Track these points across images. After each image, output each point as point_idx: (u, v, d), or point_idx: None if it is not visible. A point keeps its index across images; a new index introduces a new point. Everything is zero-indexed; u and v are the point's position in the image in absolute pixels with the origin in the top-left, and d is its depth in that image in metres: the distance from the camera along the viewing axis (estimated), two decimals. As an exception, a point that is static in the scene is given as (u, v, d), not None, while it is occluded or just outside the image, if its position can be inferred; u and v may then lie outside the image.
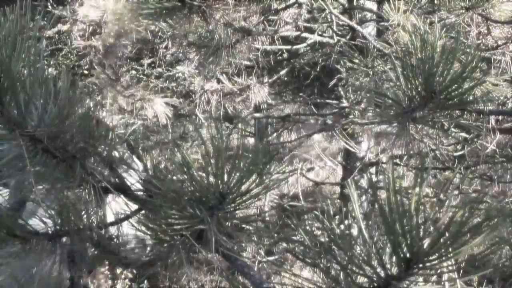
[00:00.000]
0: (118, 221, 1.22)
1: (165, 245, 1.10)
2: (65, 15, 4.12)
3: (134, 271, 4.58)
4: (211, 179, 1.03)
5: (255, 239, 1.17)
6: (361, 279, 0.94)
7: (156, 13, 2.51)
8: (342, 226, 0.98)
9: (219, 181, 1.02)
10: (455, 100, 1.44)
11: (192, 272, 4.67)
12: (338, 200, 4.00)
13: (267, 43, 3.19)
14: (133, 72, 4.83)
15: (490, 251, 0.82)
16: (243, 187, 1.04)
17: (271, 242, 1.25)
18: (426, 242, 0.82)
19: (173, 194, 1.08)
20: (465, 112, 1.69)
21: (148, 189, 1.13)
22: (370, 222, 0.91)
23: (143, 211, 1.18)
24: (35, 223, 1.16)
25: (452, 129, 2.75)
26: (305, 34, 3.34)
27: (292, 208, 3.86)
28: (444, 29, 2.16)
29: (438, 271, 0.87)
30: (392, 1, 2.54)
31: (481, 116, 1.82)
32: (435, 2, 2.86)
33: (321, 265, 0.97)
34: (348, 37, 3.27)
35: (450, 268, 0.85)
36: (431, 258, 0.83)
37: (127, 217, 1.20)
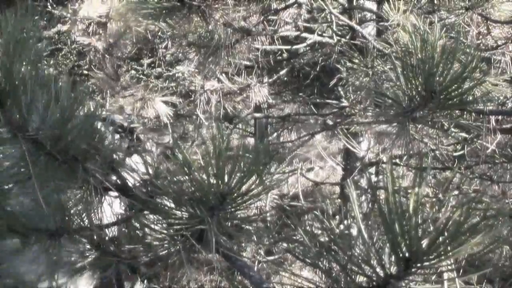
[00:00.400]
0: (119, 222, 1.23)
1: (166, 245, 1.10)
2: (64, 15, 4.12)
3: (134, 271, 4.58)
4: (212, 179, 1.04)
5: (255, 239, 1.18)
6: (360, 279, 0.94)
7: (155, 13, 2.51)
8: (341, 226, 0.99)
9: (220, 182, 1.02)
10: (455, 100, 1.44)
11: (193, 272, 4.67)
12: (338, 200, 4.00)
13: (267, 43, 3.19)
14: (133, 72, 4.84)
15: (488, 251, 0.82)
16: (244, 187, 1.04)
17: (271, 242, 1.26)
18: (425, 242, 0.82)
19: (174, 195, 1.08)
20: (465, 112, 1.70)
21: (149, 190, 1.13)
22: (369, 222, 0.92)
23: (144, 212, 1.19)
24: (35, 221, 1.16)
25: (452, 129, 2.75)
26: (305, 34, 3.34)
27: (292, 208, 3.86)
28: (444, 29, 2.15)
29: (437, 271, 0.87)
30: (392, 1, 2.54)
31: (481, 116, 1.83)
32: (435, 2, 2.86)
33: (321, 265, 0.97)
34: (348, 37, 3.27)
35: (449, 267, 0.86)
36: (430, 257, 0.83)
37: (128, 218, 1.21)
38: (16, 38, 0.94)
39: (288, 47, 3.74)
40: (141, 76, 4.82)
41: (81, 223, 1.16)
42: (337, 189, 4.45)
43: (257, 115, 4.54)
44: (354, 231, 0.96)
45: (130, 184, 1.19)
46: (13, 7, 0.98)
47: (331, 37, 3.34)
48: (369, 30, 3.46)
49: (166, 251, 1.09)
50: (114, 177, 1.18)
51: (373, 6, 3.48)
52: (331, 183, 4.70)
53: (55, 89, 1.03)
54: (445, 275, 0.91)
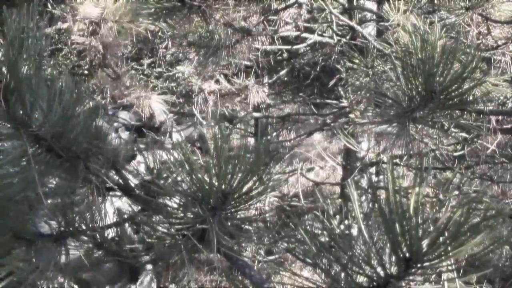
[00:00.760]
0: (121, 222, 1.23)
1: (167, 245, 1.11)
2: (64, 15, 4.12)
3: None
4: (213, 179, 1.04)
5: (255, 239, 1.18)
6: (361, 279, 0.95)
7: (156, 13, 2.52)
8: (342, 226, 0.99)
9: (222, 181, 1.03)
10: (455, 100, 1.44)
11: (193, 272, 4.67)
12: (339, 200, 4.00)
13: (267, 43, 3.19)
14: (133, 72, 4.84)
15: (489, 251, 0.82)
16: (245, 187, 1.04)
17: (271, 242, 1.26)
18: (425, 242, 0.83)
19: (175, 194, 1.08)
20: (465, 112, 1.70)
21: (151, 189, 1.14)
22: (370, 222, 0.92)
23: (145, 212, 1.19)
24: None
25: (452, 129, 2.75)
26: (305, 34, 3.34)
27: (292, 208, 3.86)
28: (444, 29, 2.16)
29: (438, 271, 0.87)
30: (392, 1, 2.55)
31: (481, 116, 1.83)
32: (435, 2, 2.87)
33: (321, 265, 0.98)
34: (348, 37, 3.27)
35: (449, 267, 0.86)
36: (430, 257, 0.83)
37: (130, 218, 1.21)
38: (20, 35, 0.95)
39: (288, 47, 3.74)
40: (141, 76, 4.82)
41: (84, 224, 1.17)
42: (338, 189, 4.45)
43: (257, 115, 4.54)
44: (354, 231, 0.96)
45: (132, 184, 1.20)
46: (14, 7, 0.99)
47: (331, 37, 3.34)
48: (369, 30, 3.47)
49: (168, 250, 1.10)
50: (116, 177, 1.19)
51: (373, 6, 3.48)
52: (331, 183, 4.70)
53: (58, 87, 1.04)
54: (445, 275, 0.91)
